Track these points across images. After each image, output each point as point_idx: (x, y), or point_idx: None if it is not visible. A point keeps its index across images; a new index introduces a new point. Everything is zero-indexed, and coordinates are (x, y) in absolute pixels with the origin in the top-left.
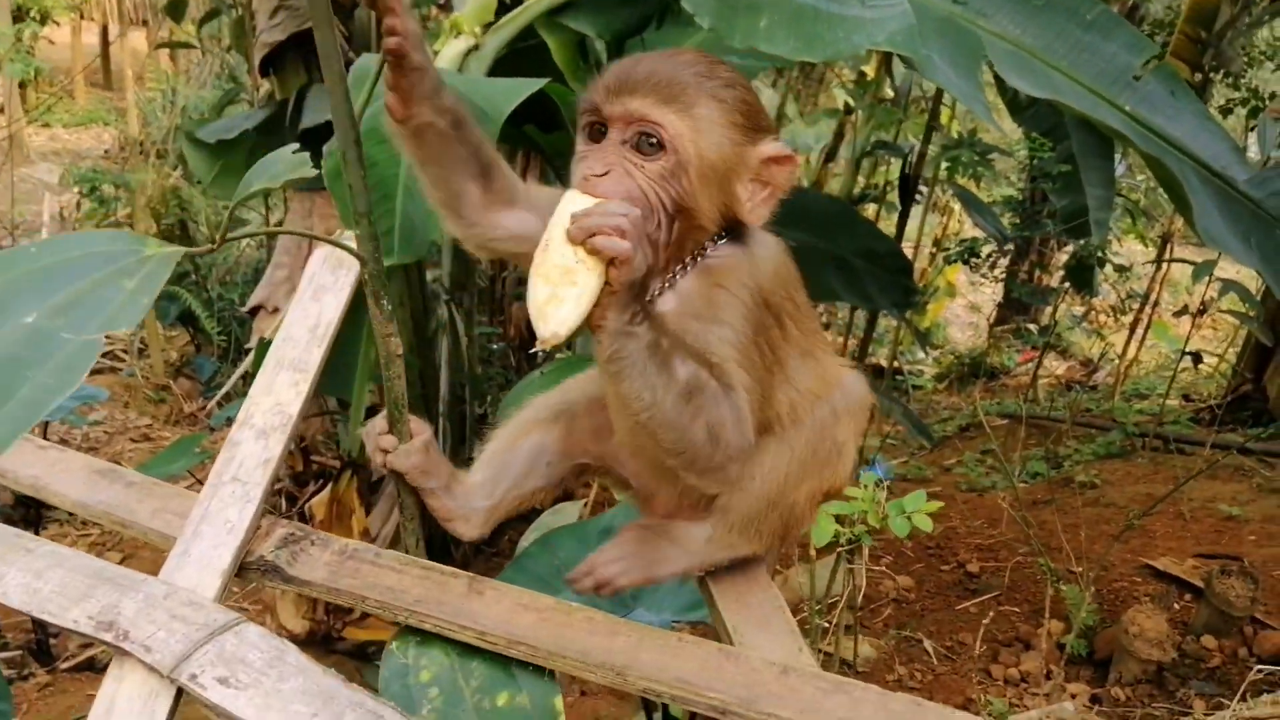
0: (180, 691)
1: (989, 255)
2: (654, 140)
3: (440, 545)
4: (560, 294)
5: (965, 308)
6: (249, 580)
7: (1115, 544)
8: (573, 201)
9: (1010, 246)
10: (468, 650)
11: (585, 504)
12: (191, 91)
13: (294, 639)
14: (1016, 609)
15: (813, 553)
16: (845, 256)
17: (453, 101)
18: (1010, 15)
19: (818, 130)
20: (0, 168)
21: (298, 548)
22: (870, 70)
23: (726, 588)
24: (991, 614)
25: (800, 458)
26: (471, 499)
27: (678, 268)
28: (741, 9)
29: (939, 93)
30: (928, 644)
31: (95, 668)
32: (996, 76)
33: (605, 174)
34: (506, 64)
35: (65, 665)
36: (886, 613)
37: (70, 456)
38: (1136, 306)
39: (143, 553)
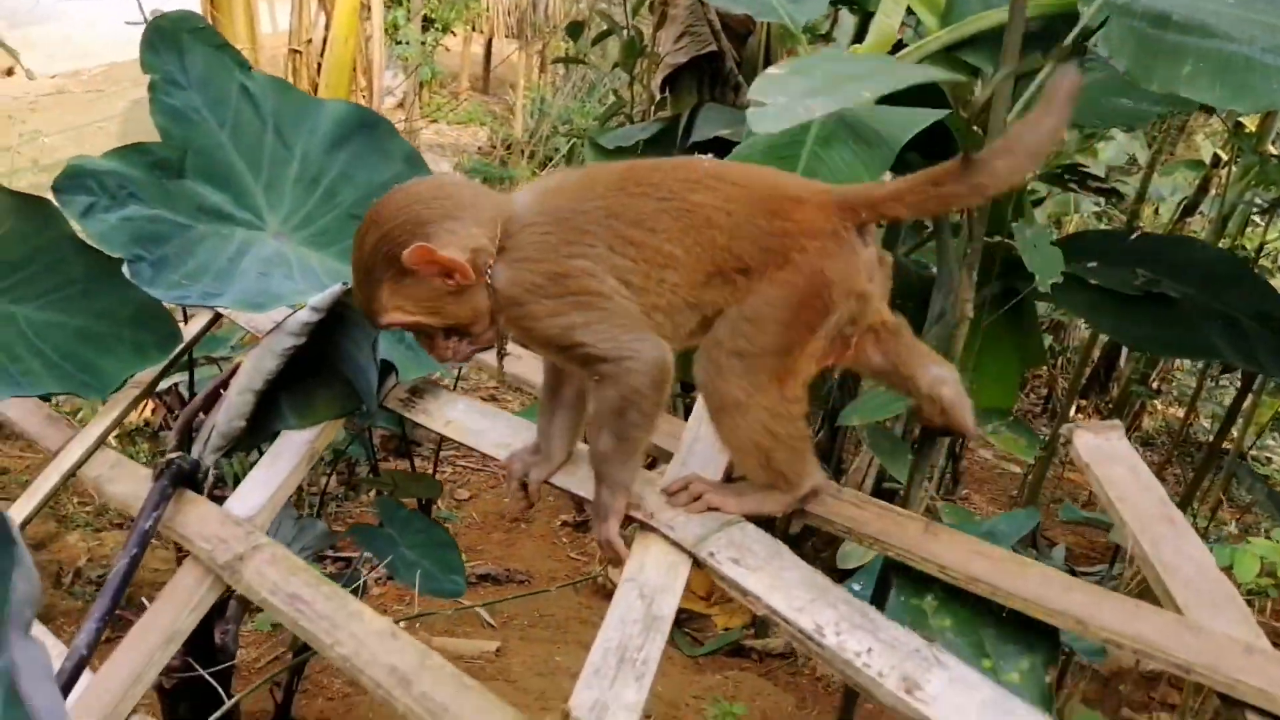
0: (694, 563)
1: None
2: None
3: None
4: None
5: None
6: None
7: None
8: None
9: None
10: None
11: None
12: (560, 101)
13: None
14: None
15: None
16: (1234, 315)
17: None
18: None
19: (1173, 181)
20: None
21: None
22: (1251, 123)
23: (1173, 570)
24: None
25: None
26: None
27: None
28: (1163, 53)
29: None
30: None
31: None
32: None
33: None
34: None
35: None
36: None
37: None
38: None
39: None
